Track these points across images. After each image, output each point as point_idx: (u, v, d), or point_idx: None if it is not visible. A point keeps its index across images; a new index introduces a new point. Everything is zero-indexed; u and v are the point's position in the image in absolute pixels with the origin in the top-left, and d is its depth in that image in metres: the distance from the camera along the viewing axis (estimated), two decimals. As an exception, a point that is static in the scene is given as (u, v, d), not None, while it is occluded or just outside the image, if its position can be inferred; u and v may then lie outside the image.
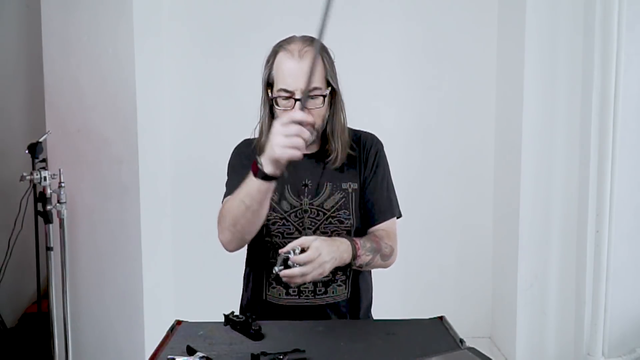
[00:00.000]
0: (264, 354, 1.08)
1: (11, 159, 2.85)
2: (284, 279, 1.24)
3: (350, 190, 1.44)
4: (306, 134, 1.18)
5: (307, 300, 1.42)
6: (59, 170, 2.28)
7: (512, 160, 2.74)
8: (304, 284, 1.40)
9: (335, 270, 1.42)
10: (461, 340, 1.20)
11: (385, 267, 1.45)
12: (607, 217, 2.46)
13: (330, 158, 1.43)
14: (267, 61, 1.41)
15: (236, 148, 1.53)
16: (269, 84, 1.41)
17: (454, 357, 1.09)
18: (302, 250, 1.24)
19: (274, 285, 1.43)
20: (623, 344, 2.54)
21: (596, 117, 2.46)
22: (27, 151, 2.29)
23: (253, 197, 1.25)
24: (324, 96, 1.38)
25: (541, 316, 2.68)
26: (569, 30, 2.54)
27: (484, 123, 3.00)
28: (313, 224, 1.41)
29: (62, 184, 2.28)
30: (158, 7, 2.78)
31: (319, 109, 1.38)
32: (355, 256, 1.34)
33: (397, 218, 1.50)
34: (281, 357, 1.07)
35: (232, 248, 1.40)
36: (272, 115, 1.43)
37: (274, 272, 1.23)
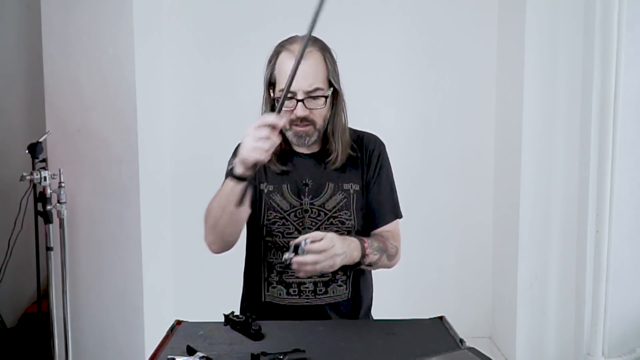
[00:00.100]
0: (264, 354, 1.08)
1: (11, 159, 2.85)
2: (294, 267, 1.23)
3: (352, 191, 1.44)
4: (275, 138, 1.20)
5: (308, 300, 1.42)
6: (59, 170, 2.28)
7: (512, 160, 2.74)
8: (309, 278, 1.40)
9: (336, 270, 1.42)
10: (461, 340, 1.20)
11: (389, 267, 1.45)
12: (607, 217, 2.46)
13: (330, 158, 1.43)
14: (269, 61, 1.41)
15: (235, 150, 1.53)
16: (270, 84, 1.41)
17: (454, 357, 1.09)
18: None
19: (275, 285, 1.43)
20: (623, 344, 2.54)
21: (596, 117, 2.46)
22: (27, 151, 2.29)
23: (228, 198, 1.27)
24: (326, 97, 1.38)
25: (541, 316, 2.68)
26: (569, 30, 2.54)
27: (484, 123, 3.00)
28: (314, 224, 1.41)
29: (62, 184, 2.28)
30: (158, 7, 2.78)
31: (320, 110, 1.38)
32: (364, 255, 1.34)
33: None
34: (281, 357, 1.07)
35: (215, 249, 1.42)
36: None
37: (284, 258, 1.23)
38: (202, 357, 1.09)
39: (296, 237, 1.40)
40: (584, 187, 2.53)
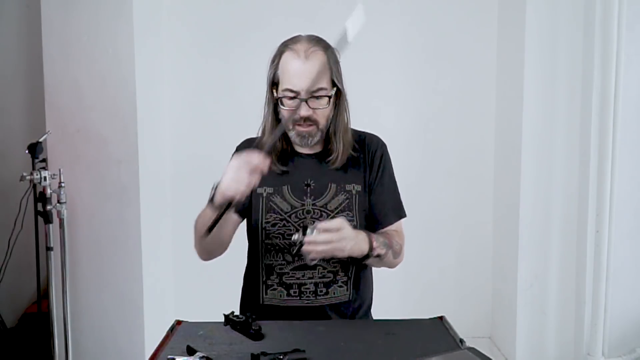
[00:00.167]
0: (264, 354, 1.08)
1: (11, 159, 2.85)
2: (305, 247, 1.22)
3: (354, 191, 1.44)
4: (255, 180, 1.21)
5: (309, 302, 1.41)
6: (59, 170, 2.28)
7: (512, 160, 2.74)
8: (310, 279, 1.40)
9: (336, 271, 1.42)
10: (461, 340, 1.20)
11: (394, 265, 1.45)
12: (607, 217, 2.46)
13: (330, 158, 1.43)
14: (273, 61, 1.40)
15: (237, 149, 1.53)
16: (273, 84, 1.41)
17: (454, 357, 1.09)
18: None
19: (275, 287, 1.43)
20: (623, 344, 2.54)
21: (596, 117, 2.46)
22: (27, 151, 2.28)
23: (209, 218, 1.29)
24: (329, 97, 1.38)
25: (541, 316, 2.68)
26: (569, 30, 2.54)
27: (484, 123, 3.00)
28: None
29: (62, 184, 2.28)
30: (158, 7, 2.78)
31: (323, 109, 1.38)
32: (371, 247, 1.33)
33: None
34: (281, 357, 1.07)
35: (203, 259, 1.46)
36: (275, 115, 1.43)
37: (293, 239, 1.24)
38: (202, 357, 1.09)
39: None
40: (584, 187, 2.53)
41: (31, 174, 2.23)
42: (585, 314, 2.55)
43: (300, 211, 1.41)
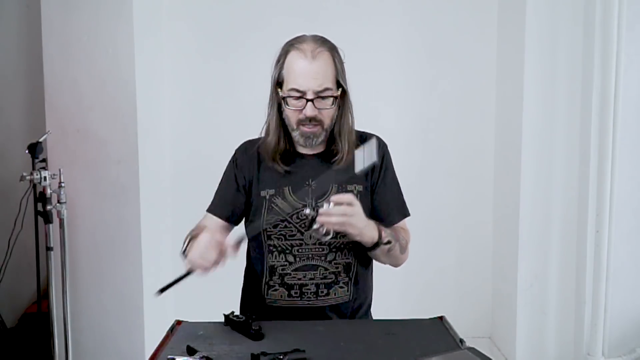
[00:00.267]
0: (264, 354, 1.08)
1: (11, 159, 2.85)
2: (320, 217, 1.23)
3: (355, 192, 1.43)
4: (219, 266, 1.21)
5: (309, 302, 1.41)
6: (59, 170, 2.28)
7: (512, 160, 2.74)
8: (311, 279, 1.40)
9: (338, 272, 1.42)
10: (461, 340, 1.20)
11: (400, 261, 1.45)
12: (607, 217, 2.46)
13: (336, 158, 1.43)
14: (278, 60, 1.40)
15: (236, 151, 1.53)
16: (278, 83, 1.40)
17: (454, 357, 1.09)
18: None
19: (276, 287, 1.43)
20: (623, 344, 2.54)
21: (596, 117, 2.46)
22: (27, 151, 2.28)
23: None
24: (335, 97, 1.38)
25: (541, 316, 2.68)
26: (569, 30, 2.53)
27: (484, 123, 3.00)
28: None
29: (62, 184, 2.28)
30: (158, 7, 2.78)
31: (328, 110, 1.38)
32: (380, 235, 1.33)
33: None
34: (281, 357, 1.07)
35: None
36: (280, 115, 1.42)
37: (305, 213, 1.25)
38: (202, 357, 1.09)
39: (299, 239, 1.41)
40: (584, 187, 2.53)
41: (31, 174, 2.23)
42: (585, 314, 2.55)
43: (302, 212, 1.41)
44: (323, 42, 1.38)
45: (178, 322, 1.34)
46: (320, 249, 1.41)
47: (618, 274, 2.49)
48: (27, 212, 2.57)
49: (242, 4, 2.90)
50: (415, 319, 1.36)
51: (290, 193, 1.43)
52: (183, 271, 1.26)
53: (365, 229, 1.29)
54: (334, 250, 1.42)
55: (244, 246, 1.55)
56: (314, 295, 1.41)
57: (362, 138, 1.49)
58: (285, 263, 1.42)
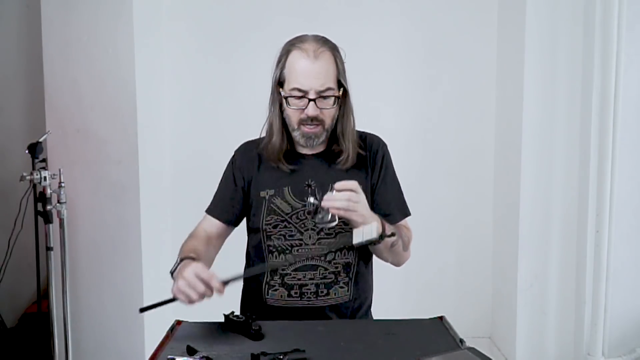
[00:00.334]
0: (264, 354, 1.08)
1: (11, 159, 2.85)
2: (324, 202, 1.23)
3: None
4: (200, 293, 1.19)
5: (309, 302, 1.41)
6: (59, 170, 2.28)
7: (512, 160, 2.74)
8: (311, 279, 1.40)
9: (338, 272, 1.42)
10: (461, 340, 1.20)
11: (402, 259, 1.45)
12: (607, 217, 2.46)
13: (341, 159, 1.43)
14: (279, 60, 1.40)
15: (235, 153, 1.53)
16: (279, 83, 1.40)
17: (454, 357, 1.09)
18: None
19: (276, 287, 1.43)
20: (623, 344, 2.54)
21: (596, 117, 2.46)
22: (27, 151, 2.28)
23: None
24: (336, 97, 1.38)
25: (541, 316, 2.68)
26: (569, 30, 2.53)
27: (484, 123, 3.00)
28: (316, 225, 1.41)
29: (62, 184, 2.28)
30: (158, 7, 2.78)
31: (330, 110, 1.38)
32: (384, 228, 1.32)
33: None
34: (281, 357, 1.07)
35: None
36: (281, 115, 1.42)
37: (309, 201, 1.26)
38: (202, 357, 1.09)
39: (298, 239, 1.41)
40: (584, 187, 2.53)
41: (31, 174, 2.23)
42: (585, 314, 2.54)
43: (301, 212, 1.41)
44: (324, 42, 1.38)
45: (178, 322, 1.34)
46: (320, 249, 1.41)
47: (618, 274, 2.49)
48: (27, 212, 2.57)
49: (242, 4, 2.90)
50: (415, 319, 1.35)
51: (290, 193, 1.43)
52: (169, 296, 1.25)
53: (369, 219, 1.28)
54: (333, 250, 1.42)
55: (245, 244, 1.55)
56: (314, 295, 1.41)
57: (362, 138, 1.49)
58: (286, 263, 1.42)
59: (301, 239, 1.41)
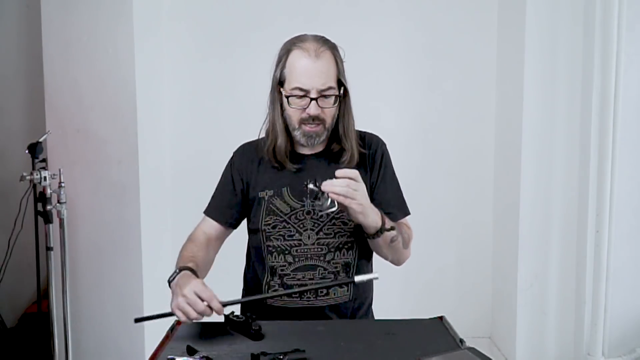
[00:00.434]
0: (264, 354, 1.08)
1: (11, 159, 2.85)
2: (324, 187, 1.23)
3: None
4: (198, 310, 1.18)
5: (309, 302, 1.41)
6: (59, 170, 2.28)
7: (512, 160, 2.74)
8: (310, 279, 1.39)
9: (337, 272, 1.42)
10: (461, 340, 1.20)
11: (403, 257, 1.45)
12: (607, 217, 2.46)
13: (344, 158, 1.43)
14: (279, 60, 1.40)
15: (234, 154, 1.53)
16: (280, 83, 1.40)
17: (454, 357, 1.09)
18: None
19: (276, 288, 1.43)
20: (623, 344, 2.54)
21: (596, 117, 2.46)
22: (27, 151, 2.29)
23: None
24: (337, 96, 1.38)
25: (541, 316, 2.68)
26: (569, 30, 2.53)
27: (484, 123, 3.00)
28: (316, 225, 1.41)
29: (62, 184, 2.28)
30: (158, 7, 2.78)
31: (330, 109, 1.38)
32: (384, 222, 1.32)
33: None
34: (281, 357, 1.07)
35: None
36: (282, 115, 1.42)
37: (309, 188, 1.25)
38: (202, 357, 1.09)
39: (297, 239, 1.41)
40: (584, 187, 2.53)
41: (31, 174, 2.23)
42: (585, 314, 2.55)
43: (300, 212, 1.41)
44: (325, 42, 1.38)
45: (178, 322, 1.33)
46: (319, 249, 1.41)
47: (618, 274, 2.49)
48: (27, 212, 2.57)
49: (242, 4, 2.90)
50: (415, 319, 1.35)
51: (288, 194, 1.42)
52: (167, 310, 1.25)
53: (368, 210, 1.28)
54: (332, 250, 1.42)
55: (245, 243, 1.55)
56: (314, 295, 1.41)
57: (362, 137, 1.49)
58: (285, 264, 1.42)
59: (300, 239, 1.41)
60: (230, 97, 2.89)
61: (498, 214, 3.00)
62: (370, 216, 1.30)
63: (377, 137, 1.52)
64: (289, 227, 1.41)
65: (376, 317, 1.53)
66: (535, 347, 2.71)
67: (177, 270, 1.32)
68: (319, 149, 1.46)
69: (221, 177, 1.52)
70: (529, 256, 2.67)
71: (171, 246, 2.89)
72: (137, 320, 1.28)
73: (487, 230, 3.05)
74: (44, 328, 2.41)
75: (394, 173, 1.51)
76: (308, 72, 1.34)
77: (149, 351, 1.17)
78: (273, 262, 1.43)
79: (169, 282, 1.31)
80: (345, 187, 1.23)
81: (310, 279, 1.41)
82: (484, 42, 2.95)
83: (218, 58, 2.91)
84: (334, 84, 1.37)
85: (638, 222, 2.51)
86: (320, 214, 1.38)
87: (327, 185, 1.23)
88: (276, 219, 1.41)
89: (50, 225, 2.27)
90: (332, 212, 1.31)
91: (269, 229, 1.42)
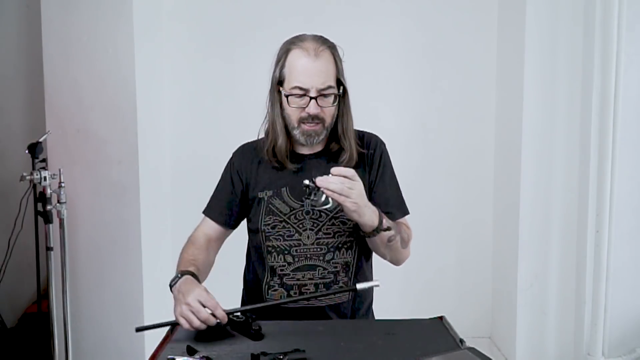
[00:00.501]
0: (264, 354, 1.08)
1: (11, 159, 2.85)
2: (319, 183, 1.23)
3: None
4: (201, 319, 1.18)
5: (309, 302, 1.41)
6: (59, 170, 2.28)
7: (512, 160, 2.74)
8: (310, 279, 1.39)
9: (337, 272, 1.42)
10: (461, 340, 1.20)
11: (402, 257, 1.44)
12: (607, 217, 2.46)
13: (343, 158, 1.43)
14: (278, 59, 1.40)
15: (233, 155, 1.53)
16: (279, 82, 1.40)
17: (454, 357, 1.09)
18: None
19: (276, 288, 1.43)
20: (623, 344, 2.54)
21: (596, 117, 2.46)
22: (27, 151, 2.29)
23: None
24: (337, 95, 1.38)
25: (541, 316, 2.68)
26: (569, 30, 2.53)
27: (484, 123, 3.00)
28: (315, 225, 1.41)
29: (62, 184, 2.28)
30: (158, 7, 2.78)
31: (330, 108, 1.38)
32: (381, 221, 1.32)
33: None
34: (281, 357, 1.07)
35: None
36: (282, 114, 1.42)
37: (305, 184, 1.25)
38: (202, 357, 1.09)
39: (297, 239, 1.41)
40: (584, 187, 2.53)
41: (31, 174, 2.23)
42: (585, 314, 2.55)
43: (299, 212, 1.41)
44: (324, 41, 1.39)
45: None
46: (318, 249, 1.41)
47: (618, 274, 2.49)
48: (27, 212, 2.57)
49: (242, 5, 2.90)
50: (415, 319, 1.35)
51: (288, 194, 1.42)
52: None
53: (364, 209, 1.27)
54: (332, 249, 1.42)
55: (244, 243, 1.55)
56: (314, 296, 1.41)
57: (360, 137, 1.49)
58: (284, 264, 1.42)
59: (299, 239, 1.41)
60: (230, 97, 2.89)
61: (498, 214, 3.00)
62: (366, 215, 1.29)
63: (376, 136, 1.52)
64: (289, 227, 1.41)
65: (376, 317, 1.53)
66: (535, 347, 2.71)
67: (179, 275, 1.31)
68: (318, 148, 1.46)
69: (221, 178, 1.52)
70: (529, 256, 2.67)
71: (171, 246, 2.90)
72: (139, 330, 1.28)
73: (487, 230, 3.05)
74: (44, 328, 2.41)
75: (393, 172, 1.51)
76: (307, 71, 1.34)
77: (149, 351, 1.17)
78: (273, 262, 1.43)
79: (170, 286, 1.30)
80: (340, 184, 1.23)
81: (310, 279, 1.41)
82: (484, 42, 2.95)
83: (218, 58, 2.91)
84: (333, 83, 1.37)
85: (638, 222, 2.51)
86: (314, 210, 1.38)
87: (322, 182, 1.23)
88: (275, 219, 1.41)
89: (50, 225, 2.27)
90: (326, 209, 1.31)
91: (268, 229, 1.42)
